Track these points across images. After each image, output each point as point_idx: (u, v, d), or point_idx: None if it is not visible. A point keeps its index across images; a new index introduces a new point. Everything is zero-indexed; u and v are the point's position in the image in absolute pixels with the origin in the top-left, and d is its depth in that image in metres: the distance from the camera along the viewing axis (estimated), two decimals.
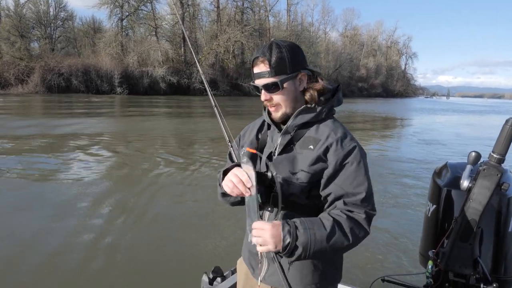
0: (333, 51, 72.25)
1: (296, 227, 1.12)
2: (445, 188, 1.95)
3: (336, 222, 1.15)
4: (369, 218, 1.19)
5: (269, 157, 1.30)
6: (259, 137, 1.38)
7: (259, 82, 1.24)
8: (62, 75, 37.76)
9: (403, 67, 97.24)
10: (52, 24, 47.38)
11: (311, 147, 1.23)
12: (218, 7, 51.81)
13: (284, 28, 60.66)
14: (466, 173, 1.82)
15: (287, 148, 1.27)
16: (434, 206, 1.99)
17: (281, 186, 1.22)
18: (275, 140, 1.31)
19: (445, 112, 37.09)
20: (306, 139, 1.26)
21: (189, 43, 2.09)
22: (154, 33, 47.67)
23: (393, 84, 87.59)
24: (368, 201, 1.20)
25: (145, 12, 47.80)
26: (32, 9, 45.92)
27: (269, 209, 1.24)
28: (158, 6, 49.57)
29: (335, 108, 1.33)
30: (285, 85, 1.23)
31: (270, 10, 59.44)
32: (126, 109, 22.85)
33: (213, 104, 1.56)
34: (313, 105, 1.27)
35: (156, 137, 11.75)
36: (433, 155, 10.01)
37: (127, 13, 45.44)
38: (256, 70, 1.24)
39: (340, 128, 1.26)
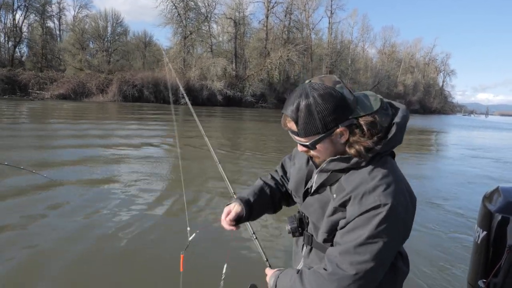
0: (371, 67, 69.70)
1: (280, 273, 1.15)
2: (497, 213, 1.70)
3: (300, 274, 1.04)
4: (340, 279, 0.94)
5: (306, 192, 1.17)
6: (308, 164, 1.19)
7: (292, 137, 1.06)
8: (135, 86, 40.01)
9: (440, 84, 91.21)
10: (109, 38, 49.28)
11: (335, 195, 1.02)
12: (266, 26, 52.22)
13: (325, 45, 59.54)
14: None
15: (321, 189, 1.09)
16: (485, 232, 1.74)
17: (310, 228, 1.17)
18: (313, 177, 1.13)
19: (485, 129, 34.12)
20: (339, 184, 1.03)
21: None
22: (210, 49, 49.06)
23: (430, 101, 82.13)
24: (355, 266, 0.93)
25: (204, 31, 49.25)
26: (92, 24, 48.62)
27: (305, 246, 1.22)
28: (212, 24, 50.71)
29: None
30: (317, 146, 1.01)
31: (313, 29, 58.86)
32: (188, 116, 23.50)
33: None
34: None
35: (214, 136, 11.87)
36: (473, 173, 9.09)
37: (189, 32, 47.14)
38: (287, 125, 1.03)
39: (376, 178, 0.95)
